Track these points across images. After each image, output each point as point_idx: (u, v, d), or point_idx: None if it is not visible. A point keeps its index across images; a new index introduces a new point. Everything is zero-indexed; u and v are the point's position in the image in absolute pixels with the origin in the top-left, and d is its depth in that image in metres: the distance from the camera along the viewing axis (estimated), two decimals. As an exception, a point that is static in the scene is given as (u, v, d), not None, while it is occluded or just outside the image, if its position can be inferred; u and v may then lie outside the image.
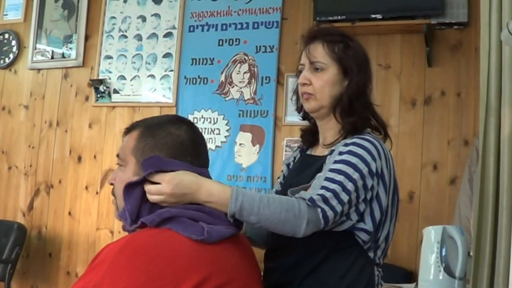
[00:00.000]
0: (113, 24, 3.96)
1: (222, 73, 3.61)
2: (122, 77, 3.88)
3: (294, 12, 3.48)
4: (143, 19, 3.87)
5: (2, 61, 4.29)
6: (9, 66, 4.27)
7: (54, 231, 3.93)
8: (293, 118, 3.27)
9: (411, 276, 2.89)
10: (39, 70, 4.17)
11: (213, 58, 3.63)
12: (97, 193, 3.85)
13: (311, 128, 1.59)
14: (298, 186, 1.38)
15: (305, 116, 1.59)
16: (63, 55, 4.08)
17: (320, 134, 1.54)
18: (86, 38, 4.02)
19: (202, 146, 1.35)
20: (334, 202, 1.28)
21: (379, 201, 1.38)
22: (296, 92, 1.57)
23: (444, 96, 3.08)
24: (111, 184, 1.33)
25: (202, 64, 3.66)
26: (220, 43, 3.63)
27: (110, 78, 3.90)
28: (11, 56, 4.26)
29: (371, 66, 1.54)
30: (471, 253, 1.82)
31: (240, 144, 3.50)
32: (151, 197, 1.23)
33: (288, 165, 1.63)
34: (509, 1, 1.74)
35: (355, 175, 1.31)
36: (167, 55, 3.76)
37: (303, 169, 1.51)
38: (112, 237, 3.72)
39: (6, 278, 3.58)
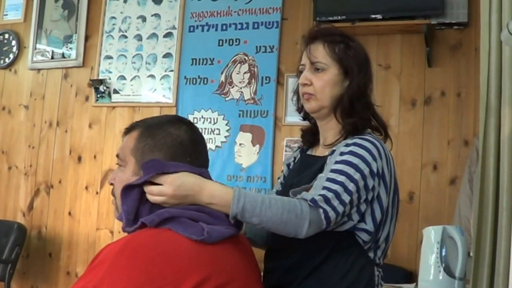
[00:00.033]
0: (113, 24, 3.96)
1: (222, 73, 3.61)
2: (122, 77, 3.88)
3: (294, 12, 3.48)
4: (143, 19, 3.87)
5: (2, 61, 4.29)
6: (9, 66, 4.27)
7: (54, 231, 3.93)
8: (293, 118, 3.27)
9: (411, 276, 2.89)
10: (39, 70, 4.17)
11: (213, 58, 3.64)
12: (97, 193, 3.85)
13: (311, 128, 1.59)
14: (299, 187, 1.38)
15: (306, 117, 1.59)
16: (63, 55, 4.09)
17: (321, 134, 1.54)
18: (86, 38, 4.03)
19: (202, 146, 1.35)
20: (335, 202, 1.28)
21: (380, 202, 1.38)
22: (296, 92, 1.57)
23: (444, 96, 3.08)
24: (111, 184, 1.33)
25: (202, 64, 3.66)
26: (220, 43, 3.64)
27: (110, 78, 3.90)
28: (11, 56, 4.26)
29: (372, 66, 1.54)
30: (471, 253, 1.82)
31: (240, 144, 3.50)
32: (153, 198, 1.23)
33: (288, 165, 1.63)
34: (509, 1, 1.74)
35: (357, 176, 1.32)
36: (167, 55, 3.77)
37: (304, 169, 1.51)
38: (112, 237, 3.72)
39: (6, 278, 3.58)
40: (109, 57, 3.93)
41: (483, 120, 1.81)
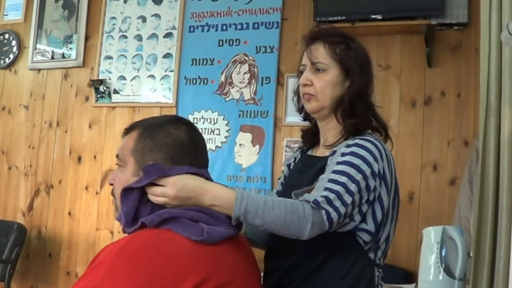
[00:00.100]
0: (113, 24, 3.96)
1: (222, 73, 3.61)
2: (122, 78, 3.88)
3: (294, 13, 3.48)
4: (143, 19, 3.87)
5: (2, 61, 4.29)
6: (9, 66, 4.27)
7: (54, 231, 3.93)
8: (293, 118, 3.27)
9: (411, 276, 2.89)
10: (39, 70, 4.17)
11: (213, 59, 3.63)
12: (97, 193, 3.85)
13: (312, 128, 1.59)
14: (300, 187, 1.39)
15: (306, 117, 1.59)
16: (63, 55, 4.09)
17: (321, 134, 1.54)
18: (86, 38, 4.03)
19: (201, 146, 1.35)
20: (338, 203, 1.28)
21: (381, 202, 1.38)
22: (297, 92, 1.57)
23: (444, 96, 3.08)
24: (111, 184, 1.33)
25: (202, 64, 3.66)
26: (220, 44, 3.64)
27: (110, 79, 3.90)
28: (11, 56, 4.26)
29: (372, 67, 1.54)
30: (471, 254, 1.82)
31: (240, 145, 3.50)
32: (155, 199, 1.23)
33: (288, 165, 1.63)
34: (509, 1, 1.74)
35: (358, 177, 1.32)
36: (167, 56, 3.76)
37: (304, 170, 1.51)
38: (112, 237, 3.72)
39: (6, 278, 3.58)
40: (109, 57, 3.93)
41: (483, 121, 1.81)
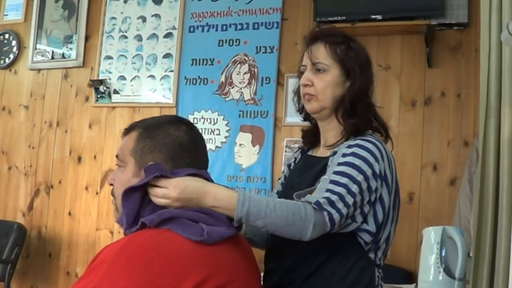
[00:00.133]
0: (113, 24, 3.96)
1: (222, 73, 3.61)
2: (122, 78, 3.88)
3: (294, 13, 3.48)
4: (143, 19, 3.87)
5: (2, 61, 4.29)
6: (9, 66, 4.27)
7: (54, 231, 3.93)
8: (293, 118, 3.28)
9: (411, 276, 2.89)
10: (39, 70, 4.17)
11: (213, 59, 3.63)
12: (97, 193, 3.85)
13: (312, 129, 1.59)
14: (300, 187, 1.39)
15: (307, 117, 1.59)
16: (63, 56, 4.09)
17: (322, 135, 1.54)
18: (86, 38, 4.03)
19: (201, 147, 1.35)
20: (340, 205, 1.28)
21: (382, 203, 1.38)
22: (297, 93, 1.57)
23: (444, 96, 3.08)
24: (111, 184, 1.33)
25: (202, 64, 3.66)
26: (220, 44, 3.63)
27: (110, 79, 3.90)
28: (11, 56, 4.26)
29: (373, 67, 1.54)
30: (471, 254, 1.82)
31: (240, 145, 3.50)
32: (157, 200, 1.23)
33: (289, 165, 1.63)
34: (509, 1, 1.74)
35: (359, 177, 1.32)
36: (167, 56, 3.76)
37: (305, 170, 1.51)
38: (112, 237, 3.72)
39: (6, 278, 3.58)
40: (109, 58, 3.93)
41: (483, 121, 1.81)
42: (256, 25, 3.55)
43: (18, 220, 3.98)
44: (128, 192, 1.23)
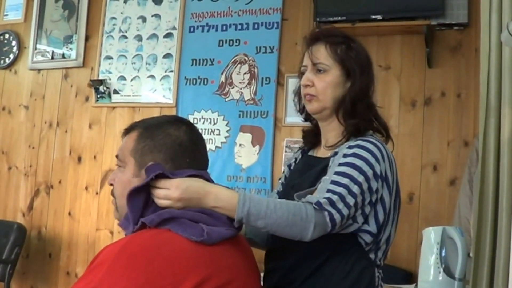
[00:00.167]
0: (114, 24, 3.96)
1: (222, 73, 3.61)
2: (122, 78, 3.88)
3: (294, 13, 3.48)
4: (143, 19, 3.87)
5: (2, 61, 4.29)
6: (9, 66, 4.27)
7: (54, 232, 3.93)
8: (293, 119, 3.28)
9: (411, 277, 2.89)
10: (39, 70, 4.17)
11: (213, 59, 3.64)
12: (97, 193, 3.85)
13: (313, 129, 1.59)
14: (301, 187, 1.39)
15: (308, 118, 1.59)
16: (63, 56, 4.09)
17: (322, 135, 1.54)
18: (86, 38, 4.03)
19: (201, 147, 1.35)
20: (340, 205, 1.28)
21: (383, 204, 1.38)
22: (298, 93, 1.57)
23: (444, 97, 3.08)
24: (111, 184, 1.33)
25: (202, 64, 3.66)
26: (220, 44, 3.64)
27: (110, 79, 3.90)
28: (12, 56, 4.26)
29: (374, 68, 1.54)
30: (470, 254, 1.82)
31: (240, 145, 3.50)
32: (159, 202, 1.23)
33: (289, 166, 1.63)
34: (509, 2, 1.74)
35: (360, 178, 1.32)
36: (167, 56, 3.76)
37: (306, 171, 1.51)
38: (112, 238, 3.72)
39: (5, 278, 3.58)
40: (109, 58, 3.93)
41: (483, 121, 1.81)
42: (256, 25, 3.55)
43: (18, 220, 3.98)
44: (132, 195, 1.23)
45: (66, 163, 3.97)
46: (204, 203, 1.24)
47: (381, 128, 1.49)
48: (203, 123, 3.59)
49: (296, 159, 1.62)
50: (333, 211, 1.27)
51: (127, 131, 1.34)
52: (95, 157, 3.89)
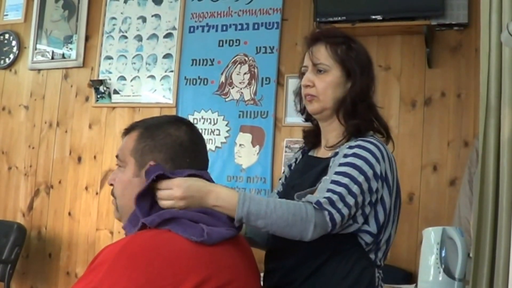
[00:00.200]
0: (114, 24, 3.96)
1: (222, 74, 3.61)
2: (122, 78, 3.88)
3: (294, 13, 3.48)
4: (143, 19, 3.87)
5: (2, 62, 4.29)
6: (9, 66, 4.27)
7: (54, 232, 3.93)
8: (293, 119, 3.28)
9: (411, 277, 2.89)
10: (39, 70, 4.17)
11: (213, 59, 3.64)
12: (97, 193, 3.85)
13: (314, 129, 1.59)
14: (301, 188, 1.39)
15: (308, 118, 1.59)
16: (63, 56, 4.09)
17: (323, 135, 1.54)
18: (87, 38, 4.03)
19: (201, 147, 1.35)
20: (340, 205, 1.28)
21: (383, 204, 1.38)
22: (298, 94, 1.57)
23: (444, 97, 3.08)
24: (111, 184, 1.33)
25: (202, 65, 3.66)
26: (220, 44, 3.64)
27: (110, 79, 3.90)
28: (12, 56, 4.26)
29: (374, 68, 1.54)
30: (470, 254, 1.82)
31: (240, 145, 3.50)
32: (163, 203, 1.23)
33: (289, 166, 1.63)
34: (509, 2, 1.74)
35: (360, 178, 1.32)
36: (167, 56, 3.77)
37: (306, 171, 1.51)
38: (112, 238, 3.72)
39: (5, 278, 3.58)
40: (109, 58, 3.93)
41: (483, 121, 1.81)
42: (256, 26, 3.55)
43: (18, 220, 3.98)
44: (138, 200, 1.22)
45: (66, 163, 3.97)
46: (205, 202, 1.24)
47: (382, 128, 1.49)
48: (203, 123, 3.59)
49: (296, 159, 1.62)
50: (333, 211, 1.27)
51: (127, 131, 1.34)
52: (95, 157, 3.89)
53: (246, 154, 3.47)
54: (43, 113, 4.11)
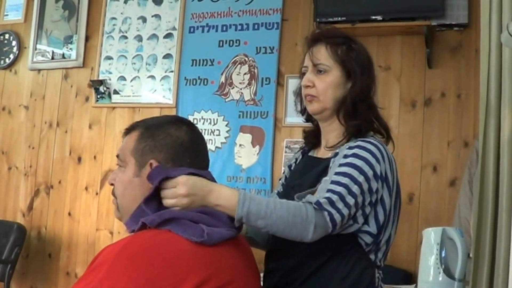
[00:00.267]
0: (114, 25, 3.96)
1: (222, 74, 3.61)
2: (122, 78, 3.88)
3: (294, 13, 3.48)
4: (144, 20, 3.87)
5: (2, 62, 4.29)
6: (9, 66, 4.27)
7: (53, 232, 3.93)
8: (293, 119, 3.28)
9: (411, 277, 2.89)
10: (39, 70, 4.17)
11: (213, 59, 3.64)
12: (97, 193, 3.85)
13: (314, 130, 1.59)
14: (301, 188, 1.39)
15: (309, 118, 1.59)
16: (63, 56, 4.09)
17: (323, 136, 1.54)
18: (87, 38, 4.03)
19: (202, 147, 1.35)
20: (340, 205, 1.28)
21: (383, 204, 1.38)
22: (298, 94, 1.57)
23: (444, 97, 3.08)
24: (111, 184, 1.33)
25: (202, 65, 3.66)
26: (220, 44, 3.64)
27: (110, 79, 3.90)
28: (12, 56, 4.26)
29: (375, 68, 1.54)
30: (470, 255, 1.82)
31: (240, 145, 3.50)
32: (167, 202, 1.22)
33: (290, 166, 1.63)
34: (509, 2, 1.74)
35: (360, 178, 1.32)
36: (167, 56, 3.77)
37: (306, 171, 1.51)
38: (112, 238, 3.72)
39: (5, 278, 3.58)
40: (109, 58, 3.93)
41: (483, 121, 1.81)
42: (256, 26, 3.55)
43: (18, 220, 3.97)
44: (146, 204, 1.22)
45: (66, 163, 3.97)
46: (207, 201, 1.24)
47: (382, 129, 1.49)
48: (203, 123, 3.59)
49: (296, 159, 1.62)
50: (333, 211, 1.27)
51: (128, 131, 1.34)
52: (95, 157, 3.89)
53: (246, 154, 3.47)
54: (43, 113, 4.11)
